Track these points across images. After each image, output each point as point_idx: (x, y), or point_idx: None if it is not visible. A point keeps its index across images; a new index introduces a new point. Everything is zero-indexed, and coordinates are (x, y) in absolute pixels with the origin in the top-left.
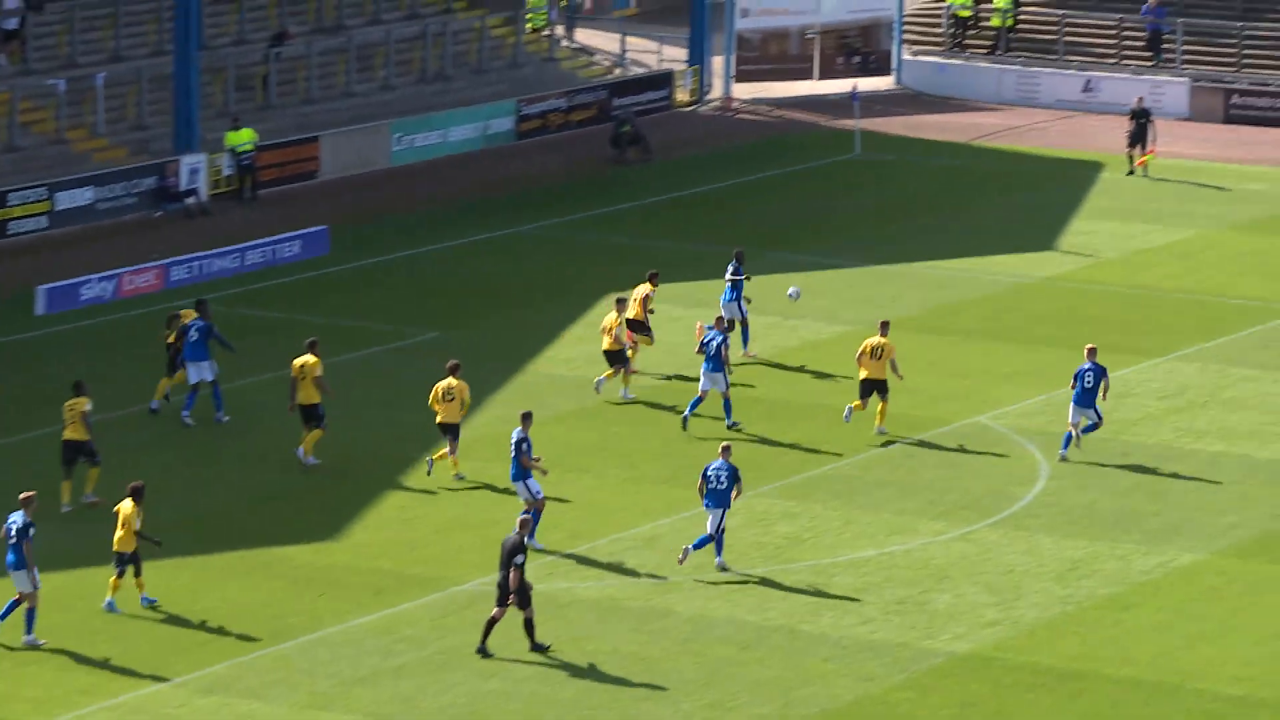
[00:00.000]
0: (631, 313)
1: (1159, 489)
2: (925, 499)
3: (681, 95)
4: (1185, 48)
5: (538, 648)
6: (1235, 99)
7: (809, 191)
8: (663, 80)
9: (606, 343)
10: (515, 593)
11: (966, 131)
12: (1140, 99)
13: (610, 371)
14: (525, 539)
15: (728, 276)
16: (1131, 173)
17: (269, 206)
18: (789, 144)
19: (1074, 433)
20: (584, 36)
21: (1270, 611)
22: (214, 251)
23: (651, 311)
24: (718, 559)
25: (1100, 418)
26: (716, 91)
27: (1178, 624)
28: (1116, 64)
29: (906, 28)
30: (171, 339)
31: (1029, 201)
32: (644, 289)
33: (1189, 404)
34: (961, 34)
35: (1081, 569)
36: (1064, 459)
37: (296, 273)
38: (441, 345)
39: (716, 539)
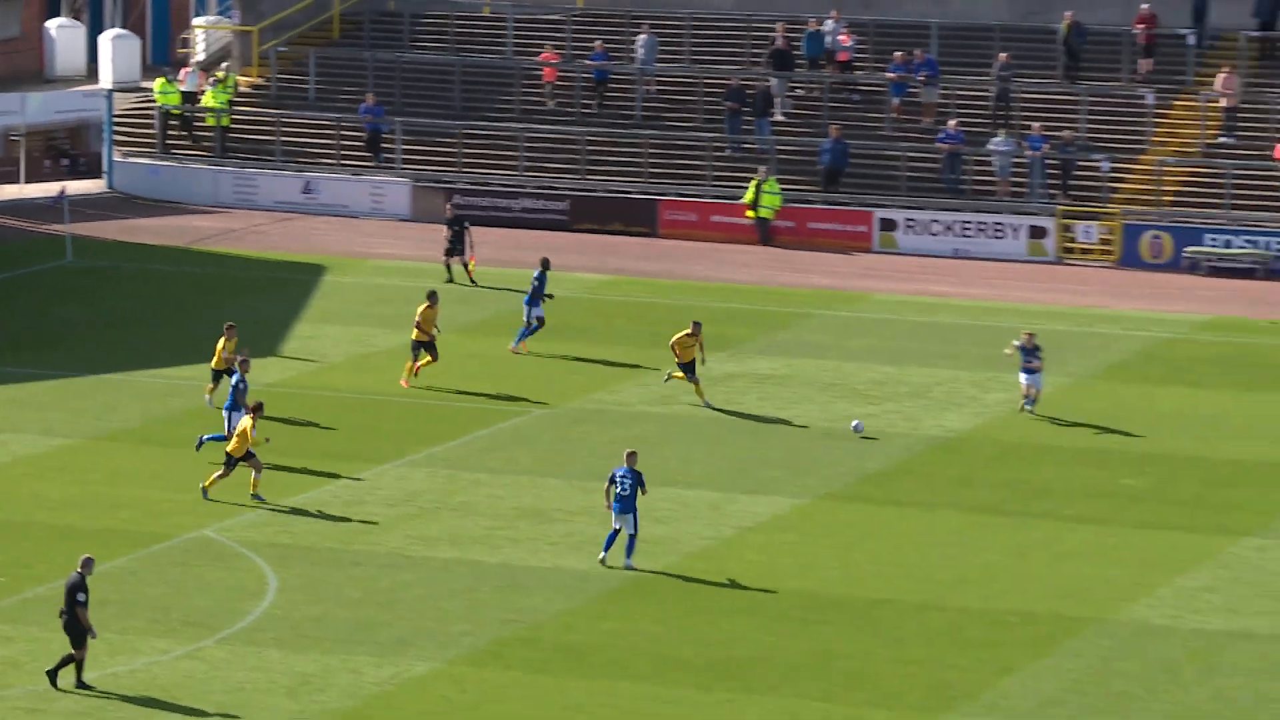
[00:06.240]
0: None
1: (390, 598)
2: (149, 617)
3: None
4: (405, 148)
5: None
6: (456, 199)
7: (19, 302)
8: None
9: (415, 333)
10: (86, 630)
11: (183, 235)
12: (450, 205)
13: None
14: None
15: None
16: (450, 280)
17: None
18: None
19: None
20: None
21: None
22: None
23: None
24: (627, 560)
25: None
26: None
27: None
28: (336, 165)
29: (117, 129)
30: None
31: (251, 306)
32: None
33: (420, 510)
34: (179, 135)
35: (314, 683)
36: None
37: None
38: None
39: (629, 542)
